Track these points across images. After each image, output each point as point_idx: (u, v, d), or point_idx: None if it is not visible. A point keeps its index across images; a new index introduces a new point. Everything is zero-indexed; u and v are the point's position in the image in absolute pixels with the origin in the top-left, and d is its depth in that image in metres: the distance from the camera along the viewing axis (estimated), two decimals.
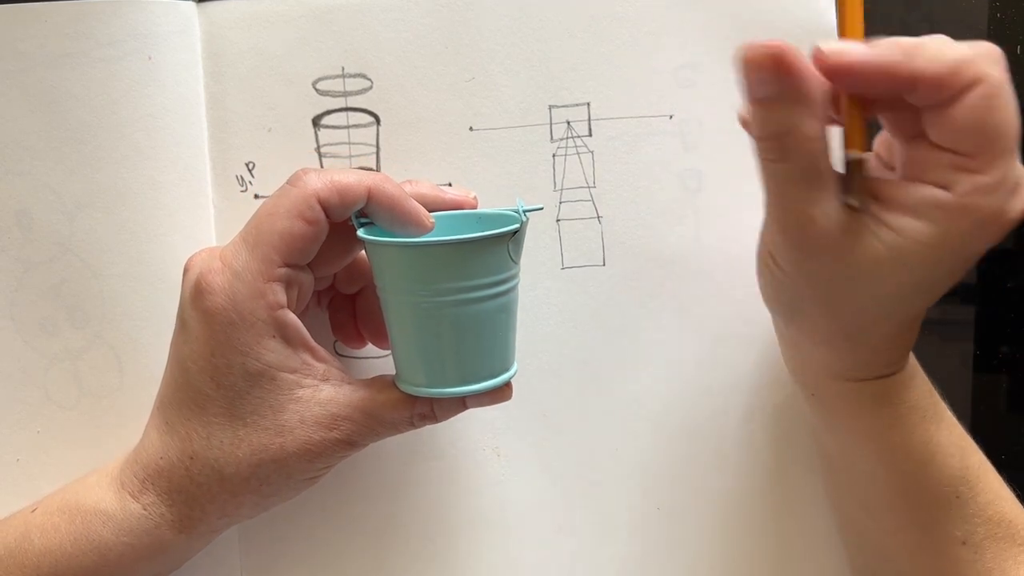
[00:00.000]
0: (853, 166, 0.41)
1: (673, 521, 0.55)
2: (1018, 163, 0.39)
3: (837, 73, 0.39)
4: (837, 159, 0.41)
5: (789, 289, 0.45)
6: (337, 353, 0.55)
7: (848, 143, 0.41)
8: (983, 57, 0.38)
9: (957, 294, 0.59)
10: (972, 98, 0.38)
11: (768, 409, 0.55)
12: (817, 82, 0.39)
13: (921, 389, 0.47)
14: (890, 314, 0.43)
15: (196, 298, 0.44)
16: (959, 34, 0.39)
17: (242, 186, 0.54)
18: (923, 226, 0.40)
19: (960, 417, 0.48)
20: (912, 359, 0.47)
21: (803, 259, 0.42)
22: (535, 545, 0.55)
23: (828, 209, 0.40)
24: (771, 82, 0.39)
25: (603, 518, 0.55)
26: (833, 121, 0.41)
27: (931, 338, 0.58)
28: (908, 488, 0.47)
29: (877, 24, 0.57)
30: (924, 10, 0.57)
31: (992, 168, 0.39)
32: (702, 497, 0.55)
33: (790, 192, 0.41)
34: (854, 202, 0.41)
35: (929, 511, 0.47)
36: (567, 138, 0.55)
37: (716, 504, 0.55)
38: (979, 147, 0.39)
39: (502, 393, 0.46)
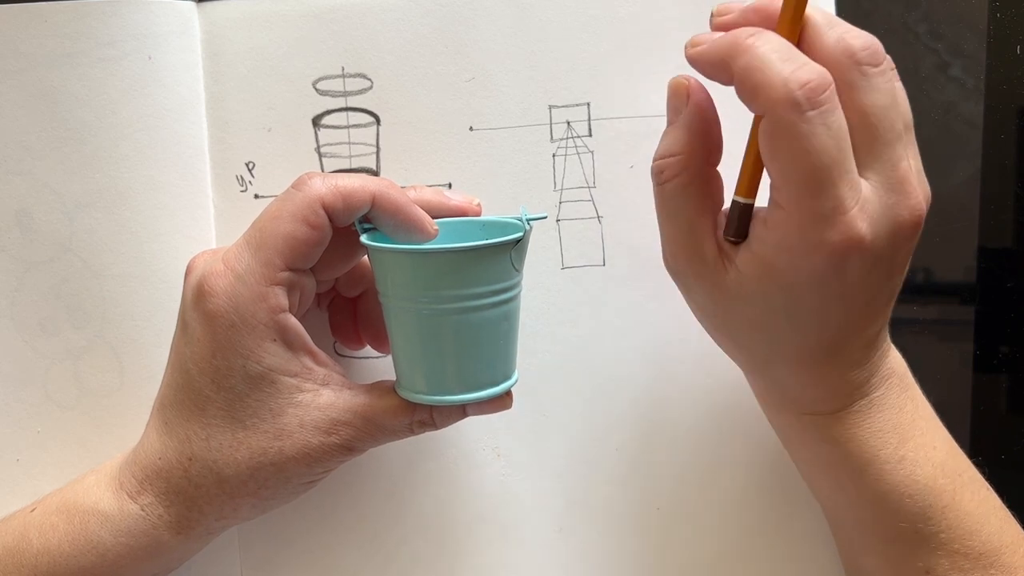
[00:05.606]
0: (736, 208, 0.44)
1: (673, 521, 0.55)
2: (840, 192, 0.38)
3: (691, 60, 0.43)
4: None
5: (697, 316, 0.48)
6: (336, 353, 0.55)
7: (738, 188, 0.44)
8: (777, 91, 0.38)
9: (957, 294, 0.59)
10: (761, 130, 0.40)
11: None
12: (713, 117, 0.44)
13: (876, 428, 0.45)
14: (773, 345, 0.44)
15: (198, 300, 0.44)
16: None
17: (242, 186, 0.54)
18: (748, 257, 0.42)
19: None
20: (870, 397, 0.45)
21: (683, 283, 0.46)
22: (535, 545, 0.55)
23: (702, 239, 0.44)
24: (680, 108, 0.44)
25: (603, 518, 0.55)
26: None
27: (931, 338, 0.58)
28: (863, 519, 0.46)
29: (878, 24, 0.57)
30: (924, 10, 0.57)
31: (789, 201, 0.40)
32: (702, 497, 0.55)
33: (673, 215, 0.45)
34: (731, 240, 0.44)
35: (889, 543, 0.46)
36: (567, 138, 0.55)
37: (715, 504, 0.55)
38: (776, 179, 0.40)
39: (503, 402, 0.46)
